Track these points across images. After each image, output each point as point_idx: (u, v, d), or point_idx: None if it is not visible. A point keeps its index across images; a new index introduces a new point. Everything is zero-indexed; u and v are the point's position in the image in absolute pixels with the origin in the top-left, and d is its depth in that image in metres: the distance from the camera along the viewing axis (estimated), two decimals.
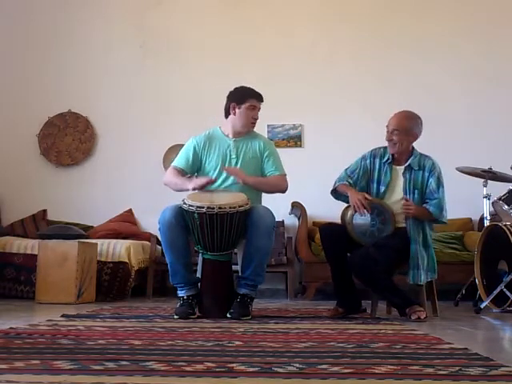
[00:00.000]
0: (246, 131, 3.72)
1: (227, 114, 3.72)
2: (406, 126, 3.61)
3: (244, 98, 3.67)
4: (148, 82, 6.29)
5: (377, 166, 3.68)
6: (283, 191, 3.74)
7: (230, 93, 3.75)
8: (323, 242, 3.62)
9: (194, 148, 3.70)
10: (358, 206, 3.49)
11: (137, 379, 1.59)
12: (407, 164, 3.62)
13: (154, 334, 2.58)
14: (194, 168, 3.72)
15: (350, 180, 3.69)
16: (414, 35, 6.18)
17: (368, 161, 3.70)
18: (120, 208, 6.04)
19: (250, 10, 6.36)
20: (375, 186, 3.66)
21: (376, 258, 3.36)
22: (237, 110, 3.67)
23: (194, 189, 3.54)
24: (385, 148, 3.71)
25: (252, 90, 3.73)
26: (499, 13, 6.19)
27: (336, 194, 3.75)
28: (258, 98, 3.71)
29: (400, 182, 3.63)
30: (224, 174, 3.62)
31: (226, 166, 3.64)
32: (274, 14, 6.33)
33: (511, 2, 6.21)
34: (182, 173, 3.70)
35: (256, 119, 3.72)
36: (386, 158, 3.67)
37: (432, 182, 3.57)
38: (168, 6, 6.42)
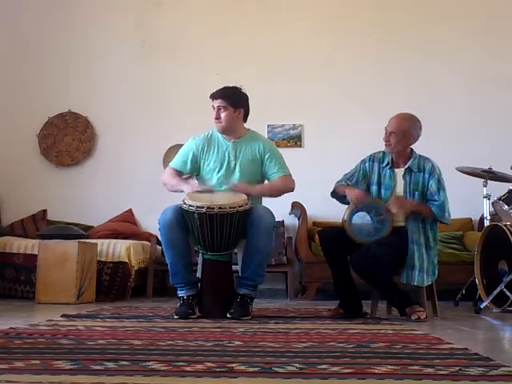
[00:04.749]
0: (222, 132, 3.65)
1: None
2: (404, 129, 3.62)
3: None
4: (148, 82, 6.29)
5: (376, 170, 3.70)
6: (291, 191, 3.70)
7: None
8: (322, 246, 3.63)
9: (193, 150, 3.68)
10: (356, 199, 3.49)
11: (137, 379, 1.59)
12: (407, 166, 3.63)
13: (154, 334, 2.58)
14: (192, 169, 3.71)
15: (348, 182, 3.71)
16: (414, 35, 6.17)
17: (367, 164, 3.73)
18: (120, 208, 6.04)
19: (250, 9, 6.35)
20: (375, 188, 3.67)
21: (377, 255, 3.36)
22: None
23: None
24: (384, 152, 3.73)
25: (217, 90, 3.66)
26: (500, 13, 6.18)
27: (336, 195, 3.75)
28: (211, 96, 3.63)
29: (400, 185, 3.63)
30: (222, 177, 3.60)
31: (224, 168, 3.61)
32: (274, 13, 6.33)
33: (511, 2, 6.21)
34: (179, 174, 3.69)
35: (218, 118, 3.60)
36: (385, 163, 3.68)
37: (432, 185, 3.57)
38: (168, 6, 6.42)
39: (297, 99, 6.11)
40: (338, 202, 3.79)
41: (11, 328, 2.68)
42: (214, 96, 3.63)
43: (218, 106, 3.60)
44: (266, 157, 3.64)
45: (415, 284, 3.52)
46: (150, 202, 5.70)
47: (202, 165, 3.68)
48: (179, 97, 6.20)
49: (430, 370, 1.74)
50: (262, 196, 3.66)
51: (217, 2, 6.41)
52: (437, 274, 3.61)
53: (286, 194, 3.77)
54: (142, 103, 6.27)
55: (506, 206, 4.27)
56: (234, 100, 3.62)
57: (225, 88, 3.66)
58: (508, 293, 3.91)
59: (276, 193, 3.68)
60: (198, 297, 3.47)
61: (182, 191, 3.53)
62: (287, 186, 3.67)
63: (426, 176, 3.59)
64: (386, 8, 6.27)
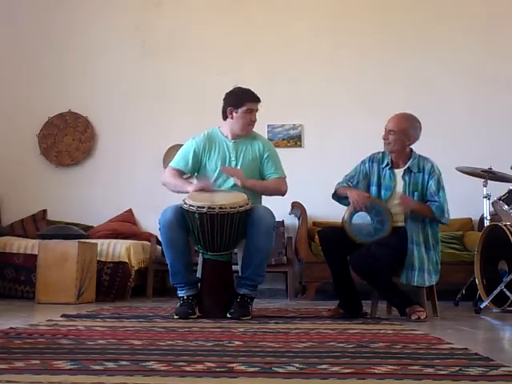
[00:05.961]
0: (244, 134, 3.69)
1: (225, 117, 3.67)
2: (403, 128, 3.62)
3: (241, 102, 3.60)
4: (148, 82, 6.29)
5: (375, 170, 3.70)
6: (282, 194, 3.72)
7: (227, 95, 3.69)
8: (322, 246, 3.63)
9: (194, 150, 3.68)
10: (357, 201, 3.50)
11: (137, 379, 1.59)
12: (406, 167, 3.63)
13: (154, 334, 2.58)
14: (193, 169, 3.72)
15: (349, 183, 3.71)
16: (414, 35, 6.17)
17: (367, 165, 3.73)
18: (120, 208, 6.04)
19: (250, 9, 6.36)
20: (375, 189, 3.67)
21: (377, 256, 3.36)
22: (234, 114, 3.61)
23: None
24: (383, 153, 3.73)
25: (248, 92, 3.66)
26: (500, 13, 6.18)
27: (337, 197, 3.76)
28: (255, 99, 3.63)
29: (400, 186, 3.63)
30: (224, 175, 3.62)
31: (226, 167, 3.63)
32: (274, 13, 6.33)
33: (511, 2, 6.21)
34: (180, 174, 3.70)
35: (254, 121, 3.66)
36: (385, 164, 3.68)
37: (432, 185, 3.57)
38: (168, 6, 6.42)
39: (297, 99, 6.12)
40: (338, 202, 3.79)
41: (11, 328, 2.68)
42: (257, 100, 3.65)
43: (257, 110, 3.66)
44: (265, 156, 3.67)
45: (415, 284, 3.52)
46: (149, 202, 5.70)
47: (203, 164, 3.68)
48: (179, 97, 6.20)
49: (430, 370, 1.74)
50: (252, 191, 3.59)
51: (217, 1, 6.41)
52: (439, 274, 3.60)
53: (286, 194, 3.78)
54: (141, 103, 6.28)
55: (506, 206, 4.28)
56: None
57: (251, 90, 3.69)
58: (508, 293, 3.91)
59: (268, 192, 3.70)
60: (197, 297, 3.47)
61: (186, 192, 3.52)
62: (280, 189, 3.69)
63: (426, 176, 3.59)
64: (386, 8, 6.27)
